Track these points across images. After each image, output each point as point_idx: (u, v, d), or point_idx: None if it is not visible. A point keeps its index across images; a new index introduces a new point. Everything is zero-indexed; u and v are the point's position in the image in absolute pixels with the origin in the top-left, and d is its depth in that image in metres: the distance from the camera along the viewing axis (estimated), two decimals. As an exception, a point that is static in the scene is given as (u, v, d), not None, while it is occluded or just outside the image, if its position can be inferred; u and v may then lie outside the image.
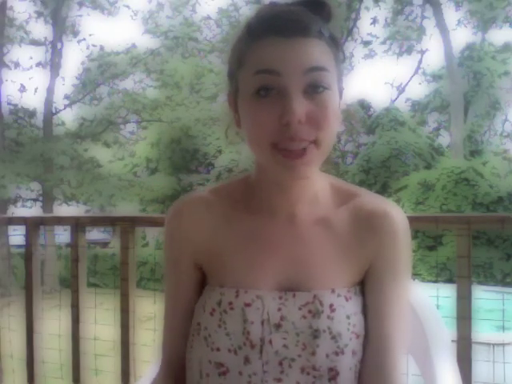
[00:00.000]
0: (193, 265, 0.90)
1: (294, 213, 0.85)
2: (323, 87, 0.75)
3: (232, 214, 0.88)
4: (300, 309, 0.83)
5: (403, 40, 18.82)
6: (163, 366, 0.95)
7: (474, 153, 15.25)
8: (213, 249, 0.88)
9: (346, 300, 0.84)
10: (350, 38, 18.08)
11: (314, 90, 0.75)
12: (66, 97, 15.24)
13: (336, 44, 0.79)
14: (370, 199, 0.88)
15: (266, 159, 0.78)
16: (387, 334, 0.83)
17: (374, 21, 17.64)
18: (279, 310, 0.83)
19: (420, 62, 20.00)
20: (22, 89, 14.44)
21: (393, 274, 0.85)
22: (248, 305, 0.83)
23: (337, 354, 0.82)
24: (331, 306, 0.82)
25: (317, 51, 0.76)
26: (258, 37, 0.77)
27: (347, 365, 0.82)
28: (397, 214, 0.86)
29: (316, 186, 0.86)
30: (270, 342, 0.83)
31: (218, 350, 0.84)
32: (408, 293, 0.88)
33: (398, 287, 0.85)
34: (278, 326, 0.83)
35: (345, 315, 0.83)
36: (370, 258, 0.85)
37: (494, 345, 3.97)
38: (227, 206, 0.88)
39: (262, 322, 0.83)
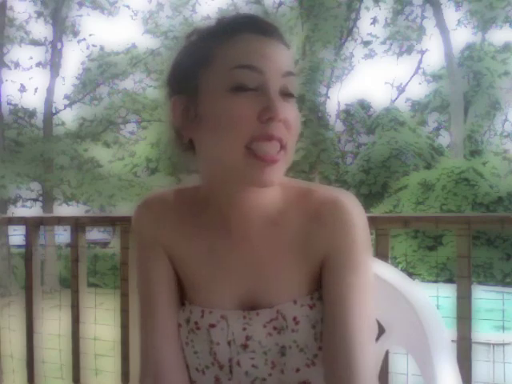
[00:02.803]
0: (166, 254, 0.86)
1: (248, 226, 0.81)
2: (292, 94, 0.76)
3: (192, 224, 0.84)
4: (265, 326, 0.81)
5: (403, 40, 18.84)
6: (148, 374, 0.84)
7: (474, 153, 15.26)
8: (176, 257, 0.85)
9: (310, 308, 0.80)
10: (350, 38, 18.09)
11: (286, 94, 0.75)
12: (66, 97, 15.27)
13: (290, 50, 0.80)
14: (321, 192, 0.82)
15: (237, 162, 0.73)
16: (347, 330, 0.76)
17: (374, 21, 17.67)
18: (244, 329, 0.81)
19: (420, 61, 20.05)
20: (22, 89, 14.47)
21: (347, 263, 0.79)
22: (213, 326, 0.81)
23: (308, 365, 0.81)
24: (295, 318, 0.80)
25: (289, 57, 0.77)
26: (234, 33, 0.74)
27: (320, 375, 0.79)
28: (347, 201, 0.81)
29: (269, 196, 0.81)
30: (238, 363, 0.81)
31: (188, 367, 0.84)
32: (367, 284, 0.81)
33: (354, 278, 0.79)
34: (244, 347, 0.81)
35: (310, 325, 0.80)
36: (324, 251, 0.80)
37: (493, 345, 3.98)
38: (187, 214, 0.85)
39: (229, 343, 0.81)
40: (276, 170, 0.74)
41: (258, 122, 0.72)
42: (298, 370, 0.81)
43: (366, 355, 0.76)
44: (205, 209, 0.83)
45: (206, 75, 0.75)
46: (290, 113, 0.74)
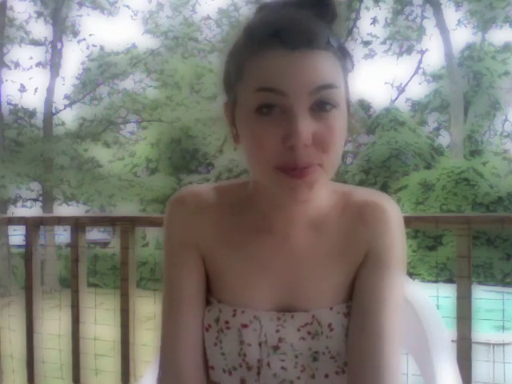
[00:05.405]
0: (199, 254, 0.83)
1: (291, 228, 0.80)
2: (331, 105, 0.69)
3: (232, 223, 0.82)
4: (299, 330, 0.80)
5: (403, 40, 18.82)
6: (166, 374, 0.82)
7: (474, 153, 15.25)
8: (210, 256, 0.83)
9: (345, 317, 0.80)
10: (349, 38, 18.07)
11: (321, 108, 0.68)
12: (66, 97, 15.26)
13: (344, 53, 0.72)
14: (361, 193, 0.83)
15: (268, 181, 0.72)
16: (381, 330, 0.76)
17: (374, 21, 17.62)
18: (277, 331, 0.80)
19: (420, 61, 20.03)
20: (22, 89, 14.45)
21: (385, 265, 0.80)
22: (245, 326, 0.80)
23: (337, 373, 0.80)
24: (330, 325, 0.79)
25: (324, 66, 0.68)
26: (259, 47, 0.69)
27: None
28: (388, 205, 0.82)
29: (313, 199, 0.76)
30: (268, 364, 0.80)
31: (213, 368, 0.82)
32: (402, 285, 0.82)
33: (391, 279, 0.80)
34: (276, 348, 0.80)
35: (344, 334, 0.79)
36: (364, 252, 0.80)
37: (493, 345, 3.97)
38: (228, 212, 0.82)
39: (260, 344, 0.80)
40: (308, 186, 0.69)
41: (283, 148, 0.68)
42: (327, 376, 0.80)
43: (396, 360, 0.77)
44: (247, 208, 0.82)
45: (239, 90, 0.72)
46: (324, 129, 0.68)
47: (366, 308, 0.78)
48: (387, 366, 0.75)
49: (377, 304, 0.78)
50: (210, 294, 0.84)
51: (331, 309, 0.80)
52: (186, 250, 0.83)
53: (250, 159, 0.72)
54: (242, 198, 0.83)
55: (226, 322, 0.80)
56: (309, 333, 0.79)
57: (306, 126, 0.67)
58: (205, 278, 0.84)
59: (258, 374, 0.81)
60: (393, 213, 0.82)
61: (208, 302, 0.84)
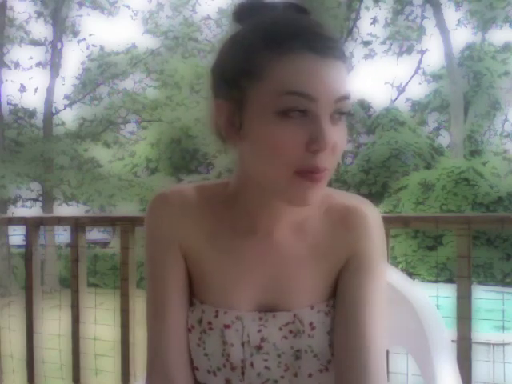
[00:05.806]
0: (181, 254, 0.83)
1: (274, 229, 0.81)
2: (345, 114, 0.72)
3: (214, 222, 0.82)
4: (281, 329, 0.81)
5: (403, 40, 18.84)
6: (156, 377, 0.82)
7: (474, 153, 15.27)
8: (193, 255, 0.83)
9: (326, 315, 0.81)
10: (349, 38, 18.08)
11: (338, 116, 0.71)
12: (66, 97, 15.27)
13: (349, 67, 0.75)
14: (342, 198, 0.84)
15: (283, 184, 0.71)
16: (364, 330, 0.78)
17: (374, 21, 17.64)
18: (259, 331, 0.81)
19: (420, 61, 20.05)
20: (22, 89, 14.46)
21: (367, 269, 0.82)
22: (227, 326, 0.80)
23: (321, 371, 0.81)
24: (311, 324, 0.80)
25: (344, 76, 0.71)
26: (288, 49, 0.68)
27: (331, 381, 0.80)
28: (368, 210, 0.84)
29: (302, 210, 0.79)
30: (252, 364, 0.81)
31: (198, 369, 0.83)
32: (383, 286, 0.84)
33: (373, 281, 0.81)
34: (258, 348, 0.81)
35: (325, 332, 0.81)
36: (346, 255, 0.82)
37: (493, 345, 3.98)
38: (211, 212, 0.82)
39: (243, 344, 0.81)
40: (318, 190, 0.72)
41: (305, 151, 0.69)
42: (310, 375, 0.81)
43: (380, 358, 0.79)
44: (230, 207, 0.82)
45: (255, 90, 0.70)
46: (338, 136, 0.71)
47: (349, 310, 0.80)
48: (372, 363, 0.77)
49: (360, 306, 0.79)
50: (192, 294, 0.84)
51: (312, 308, 0.81)
52: (168, 249, 0.83)
53: (264, 161, 0.71)
54: (225, 199, 0.83)
55: (209, 323, 0.81)
56: (291, 332, 0.81)
57: (330, 132, 0.69)
58: (187, 278, 0.84)
59: (243, 374, 0.82)
60: (373, 218, 0.84)
61: (191, 303, 0.84)
